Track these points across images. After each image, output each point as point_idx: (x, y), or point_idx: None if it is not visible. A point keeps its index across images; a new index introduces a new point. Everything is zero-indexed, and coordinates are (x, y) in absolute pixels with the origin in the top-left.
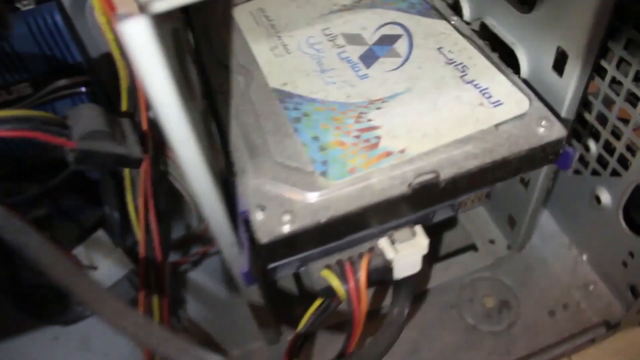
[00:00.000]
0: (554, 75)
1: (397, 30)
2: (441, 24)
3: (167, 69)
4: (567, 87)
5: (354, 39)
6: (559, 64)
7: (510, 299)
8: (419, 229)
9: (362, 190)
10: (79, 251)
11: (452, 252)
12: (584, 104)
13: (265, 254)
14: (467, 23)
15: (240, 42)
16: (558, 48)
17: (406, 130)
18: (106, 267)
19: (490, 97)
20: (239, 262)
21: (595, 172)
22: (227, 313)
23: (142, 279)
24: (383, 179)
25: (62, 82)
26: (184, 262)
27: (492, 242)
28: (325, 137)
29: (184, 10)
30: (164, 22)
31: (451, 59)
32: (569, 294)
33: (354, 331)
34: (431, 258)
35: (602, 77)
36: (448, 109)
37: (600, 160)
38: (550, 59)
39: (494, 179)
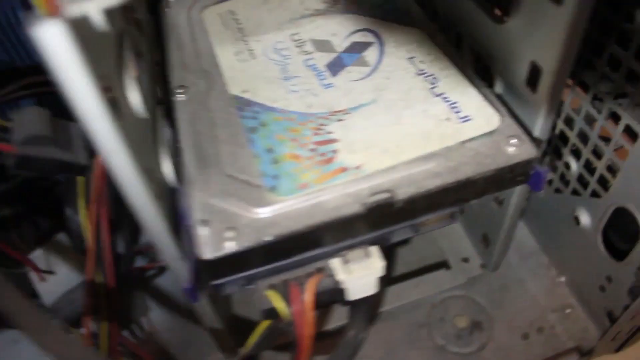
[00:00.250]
0: (527, 91)
1: (369, 38)
2: (416, 32)
3: (88, 77)
4: (541, 104)
5: (322, 45)
6: (533, 79)
7: (483, 319)
8: (374, 250)
9: (312, 208)
10: (38, 255)
11: (423, 269)
12: (566, 120)
13: (208, 271)
14: (444, 32)
15: (205, 46)
16: (532, 62)
17: (365, 145)
18: (64, 272)
19: (459, 111)
20: (183, 276)
21: (575, 192)
22: (191, 322)
23: (89, 291)
24: (336, 197)
25: (23, 82)
26: (150, 268)
27: (465, 260)
28: (280, 149)
29: (152, 10)
30: (89, 26)
31: (422, 70)
32: (544, 316)
33: (300, 356)
34: (399, 275)
35: (587, 93)
36: (412, 123)
37: (581, 179)
38: (524, 73)
39: (457, 199)
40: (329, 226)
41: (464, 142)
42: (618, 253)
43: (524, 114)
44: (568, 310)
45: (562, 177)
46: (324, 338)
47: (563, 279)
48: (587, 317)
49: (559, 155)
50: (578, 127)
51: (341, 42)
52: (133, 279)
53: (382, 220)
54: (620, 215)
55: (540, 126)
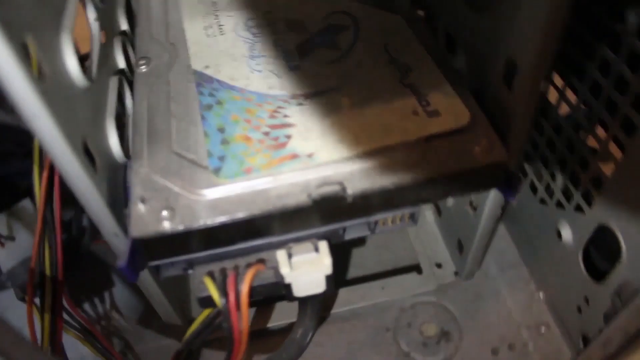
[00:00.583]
0: (503, 89)
1: (345, 21)
2: (394, 19)
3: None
4: (517, 104)
5: (295, 25)
6: (509, 76)
7: (453, 329)
8: (323, 245)
9: (255, 195)
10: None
11: (393, 270)
12: (556, 127)
13: (143, 250)
14: (430, 22)
15: (176, 18)
16: (508, 57)
17: (321, 133)
18: (25, 238)
19: (427, 105)
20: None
21: (559, 205)
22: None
23: (31, 271)
24: (281, 185)
25: None
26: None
27: (438, 266)
28: (232, 130)
29: None
30: None
31: (395, 58)
32: (517, 333)
33: (234, 349)
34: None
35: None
36: (375, 114)
37: (566, 192)
38: (500, 70)
39: (416, 199)
40: (271, 216)
41: (427, 138)
42: (598, 273)
43: (500, 114)
44: (543, 329)
45: (548, 188)
46: (275, 335)
47: (542, 295)
48: (562, 337)
49: (546, 163)
50: (566, 134)
51: (315, 24)
52: (97, 253)
53: (332, 215)
54: (603, 234)
55: (515, 128)
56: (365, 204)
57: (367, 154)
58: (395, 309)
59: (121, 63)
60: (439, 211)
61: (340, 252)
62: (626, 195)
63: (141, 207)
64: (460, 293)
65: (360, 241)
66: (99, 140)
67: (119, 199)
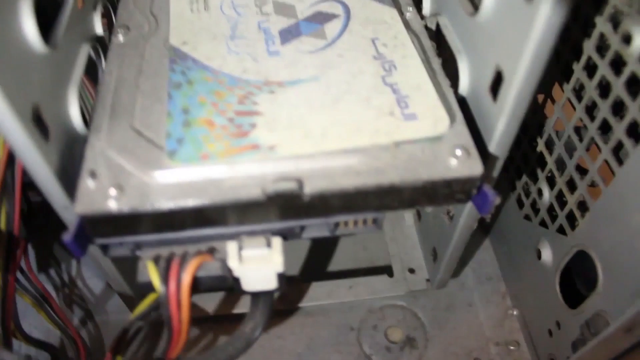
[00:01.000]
0: (489, 99)
1: (336, 9)
2: (389, 12)
3: None
4: (500, 115)
5: (284, 9)
6: (495, 85)
7: (419, 337)
8: (276, 241)
9: (207, 183)
10: None
11: (363, 270)
12: (547, 142)
13: (89, 227)
14: (423, 18)
15: None
16: (496, 65)
17: (288, 125)
18: None
19: (406, 107)
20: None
21: (543, 223)
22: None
23: None
24: (237, 176)
25: None
26: None
27: (411, 271)
28: (196, 112)
29: None
30: None
31: (381, 54)
32: (485, 348)
33: (172, 339)
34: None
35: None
36: (349, 110)
37: (551, 211)
38: (488, 78)
39: (379, 205)
40: (223, 207)
41: (399, 142)
42: (573, 299)
43: (484, 125)
44: (512, 347)
45: (534, 205)
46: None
47: (515, 312)
48: (530, 358)
49: (535, 179)
50: (557, 152)
51: (305, 9)
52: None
53: (288, 212)
54: (582, 259)
55: (496, 140)
56: (323, 205)
57: (332, 153)
58: (363, 309)
59: (99, 30)
60: (419, 216)
61: (312, 245)
62: (610, 224)
63: (90, 183)
64: (432, 301)
65: (334, 237)
66: (56, 110)
67: (73, 172)
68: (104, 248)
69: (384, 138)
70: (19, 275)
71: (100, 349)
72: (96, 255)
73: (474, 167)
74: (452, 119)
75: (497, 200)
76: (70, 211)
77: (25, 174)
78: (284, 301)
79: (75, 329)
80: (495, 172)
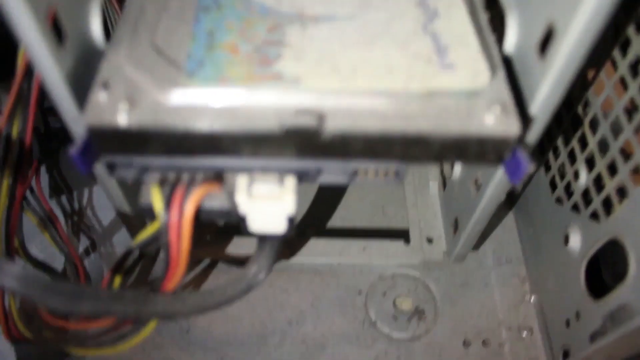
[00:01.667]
0: (536, 57)
1: None
2: None
3: None
4: (546, 73)
5: None
6: (545, 43)
7: (429, 310)
8: (290, 180)
9: (223, 108)
10: None
11: (379, 232)
12: (592, 122)
13: (96, 141)
14: None
15: None
16: (548, 20)
17: (317, 59)
18: None
19: (445, 56)
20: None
21: (575, 207)
22: None
23: None
24: (255, 105)
25: None
26: None
27: (429, 240)
28: (222, 37)
29: None
30: None
31: (425, 1)
32: (496, 331)
33: (170, 269)
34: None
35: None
36: (384, 52)
37: (586, 195)
38: (538, 35)
39: (403, 154)
40: (235, 135)
41: (433, 91)
42: (598, 289)
43: (528, 86)
44: (525, 333)
45: (568, 187)
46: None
47: (533, 298)
48: (542, 347)
49: (573, 160)
50: (601, 133)
51: None
52: None
53: (305, 150)
54: (613, 249)
55: (539, 103)
56: (343, 147)
57: (359, 92)
58: (374, 274)
59: None
60: (444, 185)
61: (329, 202)
62: None
63: (102, 94)
64: (446, 275)
65: (354, 195)
66: (75, 17)
67: (88, 86)
68: (111, 167)
69: (417, 84)
70: (28, 195)
71: (100, 278)
72: (102, 175)
73: (511, 127)
74: (493, 74)
75: (530, 168)
76: (79, 124)
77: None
78: (293, 254)
79: (77, 254)
80: (533, 138)
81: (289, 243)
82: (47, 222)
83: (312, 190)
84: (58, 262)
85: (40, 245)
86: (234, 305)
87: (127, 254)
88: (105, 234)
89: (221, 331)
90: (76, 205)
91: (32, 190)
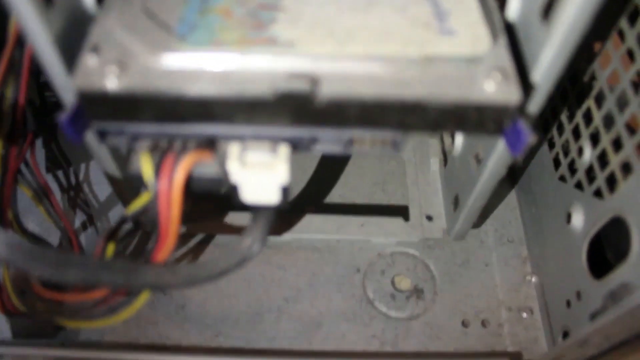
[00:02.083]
0: (539, 22)
1: None
2: None
3: None
4: (549, 38)
5: None
6: (549, 7)
7: (427, 289)
8: (283, 149)
9: (214, 73)
10: None
11: (377, 208)
12: (598, 96)
13: (86, 106)
14: None
15: None
16: None
17: (313, 23)
18: None
19: (444, 21)
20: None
21: (579, 185)
22: None
23: None
24: (247, 69)
25: None
26: None
27: (429, 218)
28: (215, 1)
29: None
30: None
31: None
32: (495, 311)
33: (160, 239)
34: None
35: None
36: (382, 17)
37: (590, 172)
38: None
39: (400, 122)
40: (227, 100)
41: (431, 57)
42: (599, 269)
43: (531, 52)
44: (525, 314)
45: (572, 164)
46: None
47: (534, 279)
48: (542, 328)
49: (577, 136)
50: (607, 107)
51: None
52: None
53: (298, 117)
54: (616, 227)
55: (542, 69)
56: (338, 114)
57: (355, 57)
58: (373, 252)
59: None
60: (445, 161)
61: (328, 177)
62: None
63: (91, 57)
64: (446, 254)
65: (355, 172)
66: None
67: (78, 50)
68: (102, 135)
69: (415, 50)
70: (23, 168)
71: None
72: (94, 144)
73: (511, 94)
74: (495, 39)
75: (532, 138)
76: (69, 90)
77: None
78: (290, 230)
79: (72, 228)
80: (535, 108)
81: (287, 219)
82: (42, 195)
83: (312, 166)
84: (54, 237)
85: (37, 219)
86: (230, 281)
87: (121, 222)
88: (102, 209)
89: (217, 308)
90: (73, 180)
91: (27, 164)
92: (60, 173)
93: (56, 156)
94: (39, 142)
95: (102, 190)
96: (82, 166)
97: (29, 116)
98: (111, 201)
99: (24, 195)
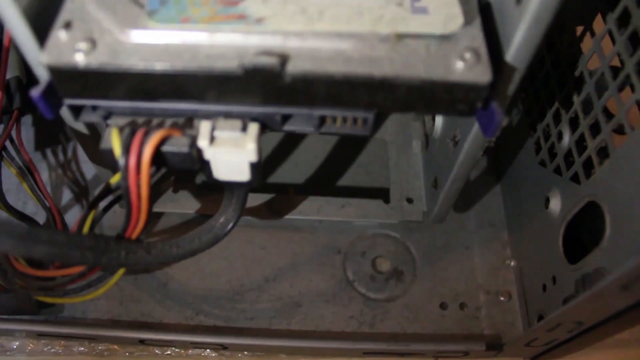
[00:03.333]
0: (513, 4)
1: None
2: None
3: None
4: (522, 18)
5: None
6: None
7: (407, 271)
8: (253, 127)
9: (183, 48)
10: None
11: (358, 190)
12: (577, 80)
13: (57, 82)
14: None
15: None
16: None
17: (284, 0)
18: None
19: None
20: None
21: (557, 170)
22: None
23: None
24: (215, 44)
25: None
26: None
27: (409, 200)
28: None
29: None
30: None
31: None
32: (474, 294)
33: (132, 216)
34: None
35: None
36: None
37: (568, 157)
38: None
39: (370, 102)
40: (195, 75)
41: (402, 34)
42: (574, 254)
43: (505, 33)
44: (502, 298)
45: (552, 149)
46: None
47: (513, 263)
48: (518, 312)
49: (557, 120)
50: (586, 92)
51: None
52: None
53: (268, 94)
54: (592, 211)
55: (514, 48)
56: (307, 91)
57: (325, 34)
58: (354, 234)
59: None
60: (427, 144)
61: (309, 160)
62: (629, 173)
63: (62, 34)
64: (427, 237)
65: (337, 152)
66: None
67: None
68: (75, 111)
69: (385, 27)
70: (8, 145)
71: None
72: (68, 119)
73: (482, 74)
74: (468, 19)
75: (504, 120)
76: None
77: None
78: (271, 211)
79: (55, 206)
80: (509, 89)
81: (268, 199)
82: (27, 172)
83: (294, 147)
84: (40, 216)
85: (24, 197)
86: (212, 260)
87: (103, 194)
88: (88, 188)
89: (198, 286)
90: (61, 158)
91: (11, 140)
92: (48, 151)
93: (47, 134)
94: (28, 120)
95: (88, 169)
96: (71, 144)
97: (15, 94)
98: (97, 181)
99: (9, 173)
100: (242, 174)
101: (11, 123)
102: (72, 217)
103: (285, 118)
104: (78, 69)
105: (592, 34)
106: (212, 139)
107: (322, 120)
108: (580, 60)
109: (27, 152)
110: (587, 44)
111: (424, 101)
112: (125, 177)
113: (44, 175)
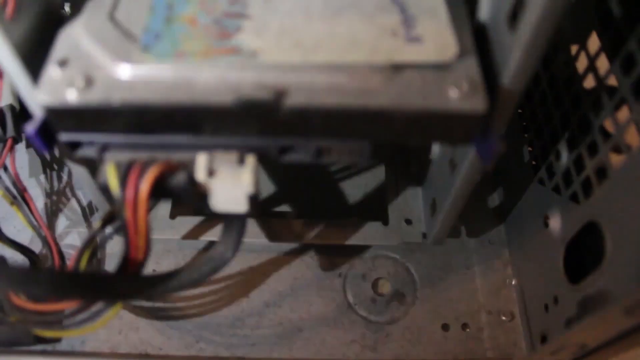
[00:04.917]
0: (506, 28)
1: None
2: None
3: None
4: (517, 46)
5: None
6: (516, 12)
7: (408, 293)
8: (250, 159)
9: (178, 83)
10: None
11: (356, 212)
12: (574, 98)
13: (52, 119)
14: None
15: None
16: None
17: (279, 32)
18: None
19: (412, 28)
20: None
21: (557, 189)
22: None
23: None
24: (211, 78)
25: None
26: None
27: (408, 222)
28: (181, 9)
29: None
30: None
31: None
32: (476, 315)
33: (130, 250)
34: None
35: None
36: (349, 25)
37: (566, 176)
38: (508, 5)
39: (367, 133)
40: (193, 110)
41: (397, 65)
42: (576, 274)
43: (501, 57)
44: (504, 318)
45: (550, 168)
46: None
47: (515, 282)
48: (521, 331)
49: (555, 139)
50: (583, 111)
51: None
52: None
53: (265, 127)
54: (592, 232)
55: (510, 73)
56: (304, 124)
57: (320, 67)
58: (354, 257)
59: None
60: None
61: (307, 184)
62: (628, 194)
63: (56, 70)
64: (427, 258)
65: (333, 176)
66: None
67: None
68: (71, 146)
69: (380, 58)
70: (2, 173)
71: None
72: (65, 153)
73: (477, 103)
74: (463, 48)
75: (500, 148)
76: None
77: None
78: (272, 236)
79: (51, 234)
80: (505, 115)
81: (268, 224)
82: (22, 201)
83: (292, 172)
84: (35, 244)
85: (20, 225)
86: (212, 286)
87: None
88: (84, 215)
89: (198, 313)
90: (56, 184)
91: (5, 169)
92: (42, 178)
93: (41, 161)
94: (22, 147)
95: (84, 195)
96: (66, 170)
97: (9, 122)
98: (93, 207)
99: (4, 202)
100: (240, 206)
101: (5, 152)
102: (69, 242)
103: (283, 149)
104: (72, 106)
105: (587, 54)
106: (209, 172)
107: (320, 150)
108: (576, 80)
109: (22, 180)
110: (582, 63)
111: (420, 131)
112: (122, 212)
113: (39, 202)
